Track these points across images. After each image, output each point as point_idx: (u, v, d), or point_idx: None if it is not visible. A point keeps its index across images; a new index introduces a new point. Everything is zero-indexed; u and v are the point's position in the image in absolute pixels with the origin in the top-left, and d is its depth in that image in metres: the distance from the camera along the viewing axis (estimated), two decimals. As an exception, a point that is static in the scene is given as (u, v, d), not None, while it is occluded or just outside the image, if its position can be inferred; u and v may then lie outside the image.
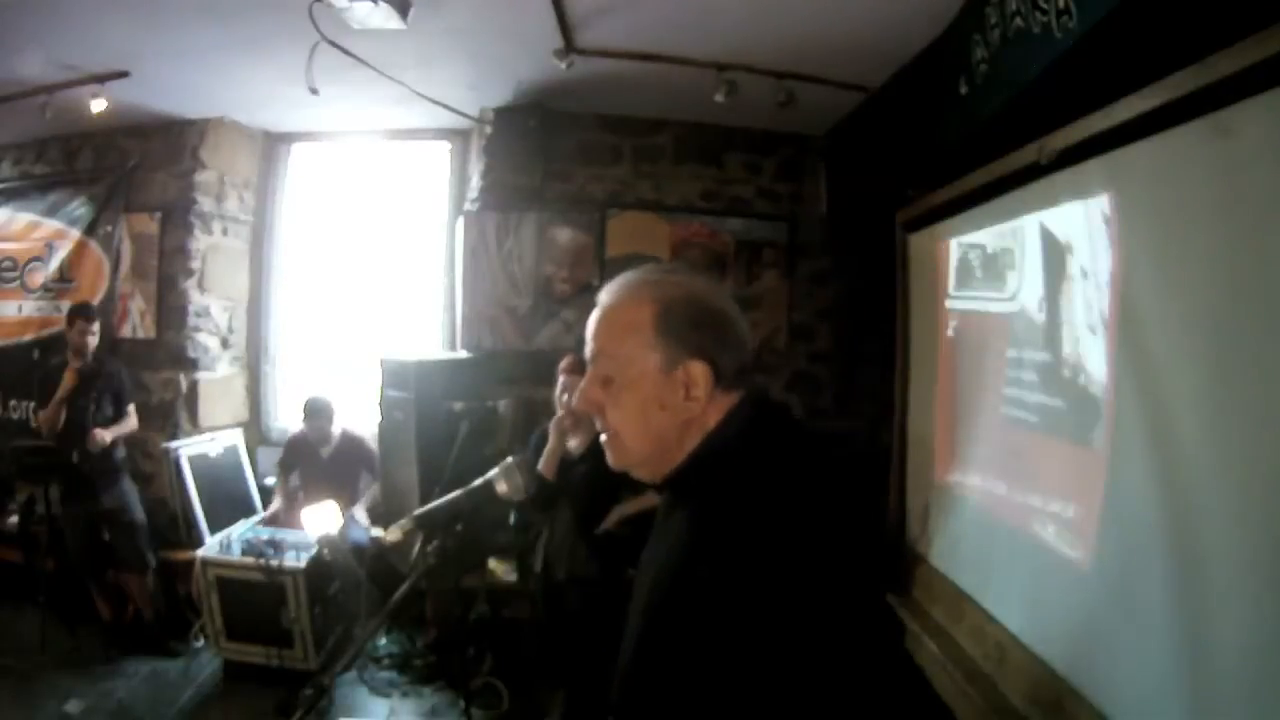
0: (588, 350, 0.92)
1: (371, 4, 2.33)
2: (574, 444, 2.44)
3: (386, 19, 2.42)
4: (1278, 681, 1.30)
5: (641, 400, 0.87)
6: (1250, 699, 1.36)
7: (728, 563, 0.74)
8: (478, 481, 1.31)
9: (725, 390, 0.87)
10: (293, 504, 3.64)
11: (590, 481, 2.18)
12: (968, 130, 2.34)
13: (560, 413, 2.49)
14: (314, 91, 2.92)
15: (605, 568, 2.17)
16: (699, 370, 0.86)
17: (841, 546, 0.81)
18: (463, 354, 3.83)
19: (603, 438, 0.92)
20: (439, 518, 1.30)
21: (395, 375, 3.47)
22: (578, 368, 2.49)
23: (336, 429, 3.75)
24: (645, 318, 0.87)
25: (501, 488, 1.29)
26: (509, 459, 1.33)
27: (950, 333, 2.79)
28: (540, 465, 2.50)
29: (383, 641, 3.43)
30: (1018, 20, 1.92)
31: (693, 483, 0.86)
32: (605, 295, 0.93)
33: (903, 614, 2.72)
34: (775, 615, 0.72)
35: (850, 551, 0.82)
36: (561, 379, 2.52)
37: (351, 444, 3.78)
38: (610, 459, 0.92)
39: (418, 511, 1.32)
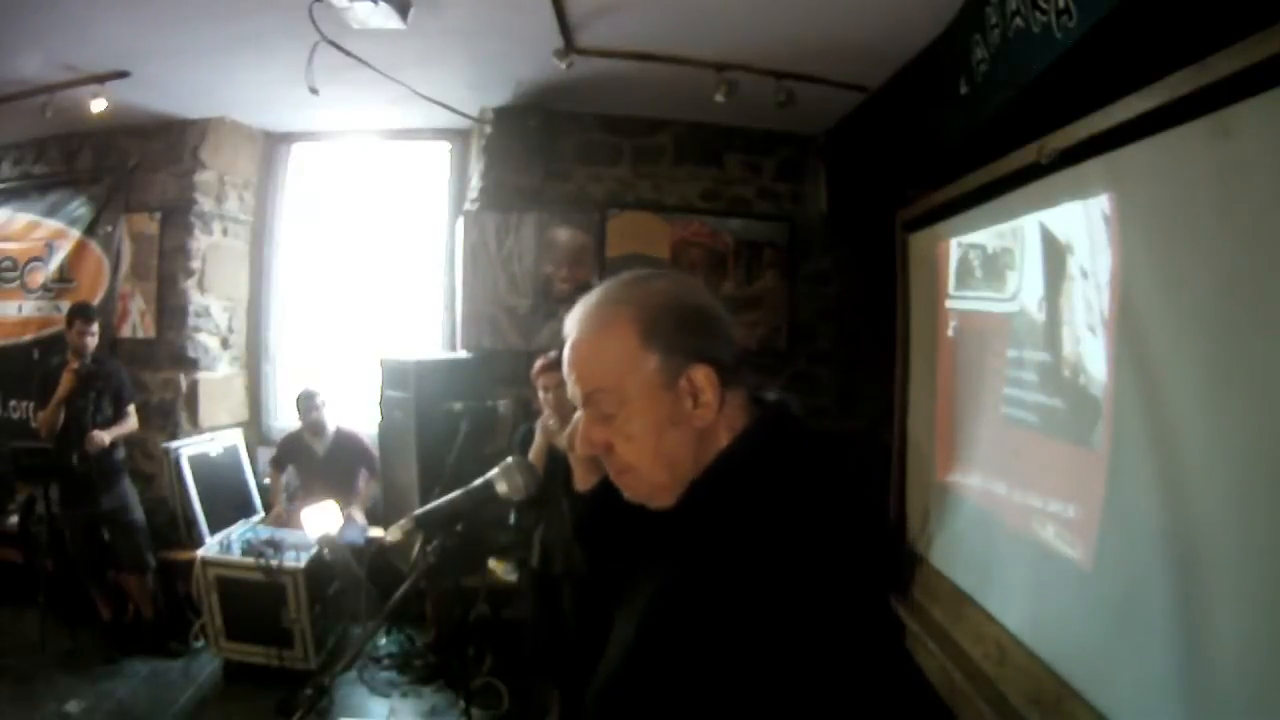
0: (571, 392, 0.84)
1: (371, 4, 2.33)
2: (565, 437, 2.43)
3: (386, 19, 2.43)
4: (1278, 681, 1.30)
5: (653, 425, 0.80)
6: (1250, 698, 1.36)
7: (737, 592, 0.70)
8: (478, 481, 1.31)
9: (732, 388, 0.82)
10: (291, 501, 3.65)
11: None
12: (968, 130, 2.34)
13: (546, 413, 2.48)
14: (314, 91, 2.92)
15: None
16: (703, 375, 0.79)
17: (857, 579, 0.76)
18: (462, 354, 3.83)
19: (610, 475, 0.86)
20: (439, 518, 1.29)
21: (395, 375, 3.48)
22: (553, 366, 2.48)
23: (331, 425, 3.76)
24: (630, 337, 0.80)
25: (501, 488, 1.29)
26: (509, 459, 1.33)
27: (950, 333, 2.79)
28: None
29: (383, 641, 3.43)
30: (1018, 20, 1.92)
31: (707, 503, 0.80)
32: (574, 328, 0.84)
33: (903, 614, 2.72)
34: (782, 649, 0.67)
35: (864, 584, 0.78)
36: (540, 380, 2.51)
37: (347, 441, 3.79)
38: (626, 494, 0.85)
39: (418, 511, 1.31)
